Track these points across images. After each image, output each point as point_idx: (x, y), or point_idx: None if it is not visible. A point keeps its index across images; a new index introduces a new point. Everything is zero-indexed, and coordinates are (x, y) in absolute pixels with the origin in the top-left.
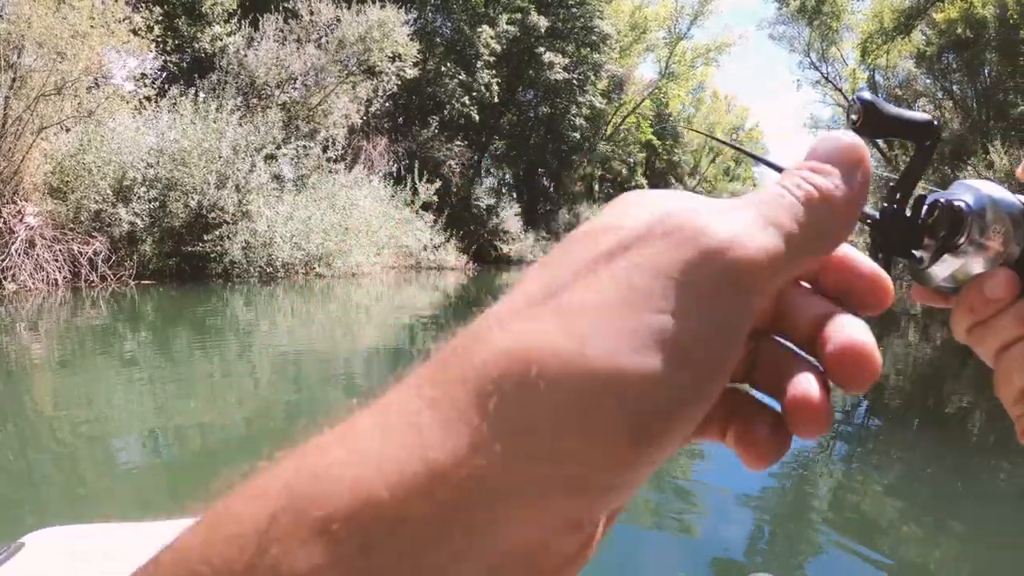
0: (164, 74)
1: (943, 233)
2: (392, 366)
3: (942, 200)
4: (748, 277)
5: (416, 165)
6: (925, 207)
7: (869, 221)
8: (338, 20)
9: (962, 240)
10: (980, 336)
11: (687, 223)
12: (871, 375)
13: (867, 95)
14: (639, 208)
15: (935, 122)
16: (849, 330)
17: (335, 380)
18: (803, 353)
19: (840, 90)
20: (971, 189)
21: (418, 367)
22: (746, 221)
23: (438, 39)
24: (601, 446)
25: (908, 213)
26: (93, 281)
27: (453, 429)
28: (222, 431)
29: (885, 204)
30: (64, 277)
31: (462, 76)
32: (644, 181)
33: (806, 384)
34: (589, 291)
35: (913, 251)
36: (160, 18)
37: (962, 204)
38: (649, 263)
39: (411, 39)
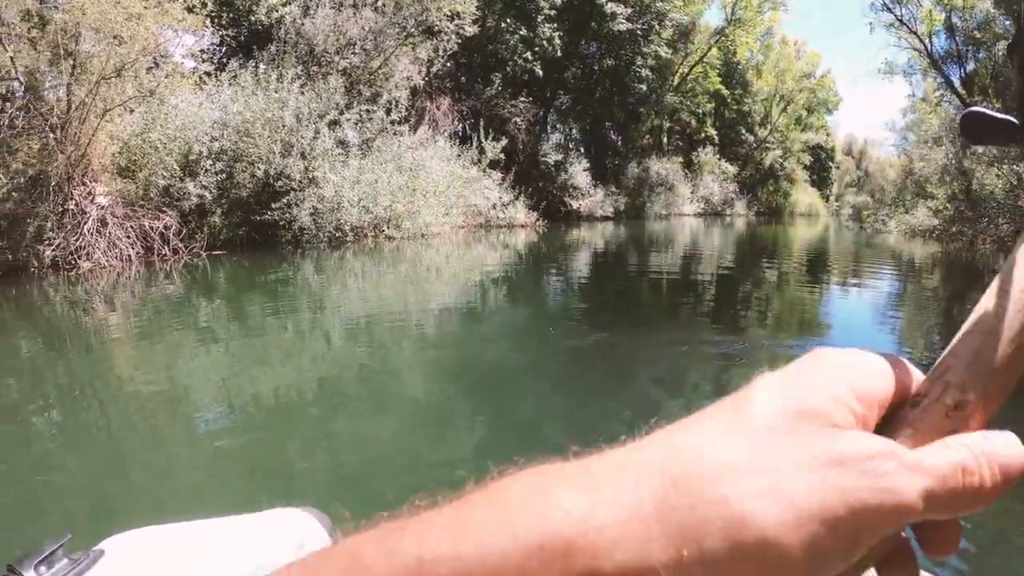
0: (223, 49)
1: None
2: (465, 324)
3: None
4: (890, 520)
5: (481, 123)
6: None
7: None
8: None
9: None
10: None
11: (885, 474)
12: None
13: (976, 108)
14: (846, 410)
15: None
16: None
17: (409, 341)
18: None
19: (915, 33)
20: None
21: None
22: (920, 481)
23: None
24: None
25: None
26: (165, 255)
27: None
28: (299, 396)
29: None
30: (137, 252)
31: (523, 31)
32: (714, 132)
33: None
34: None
35: None
36: None
37: None
38: (846, 487)
39: None
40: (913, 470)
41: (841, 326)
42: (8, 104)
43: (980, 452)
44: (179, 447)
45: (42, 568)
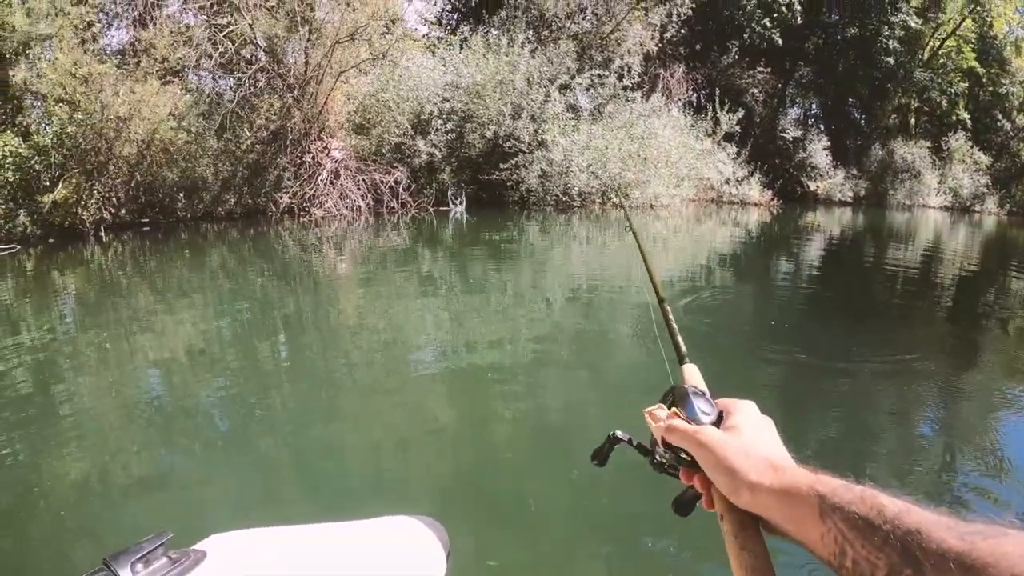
0: (455, 15)
1: None
2: (683, 299)
3: None
4: None
5: (716, 93)
6: None
7: None
8: None
9: None
10: None
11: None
12: None
13: None
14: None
15: None
16: None
17: (623, 311)
18: None
19: None
20: None
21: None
22: None
23: None
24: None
25: None
26: (394, 207)
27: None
28: (515, 356)
29: None
30: (367, 204)
31: None
32: (966, 115)
33: None
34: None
35: None
36: None
37: None
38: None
39: None
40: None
41: None
42: (251, 67)
43: None
44: (390, 377)
45: (139, 566)
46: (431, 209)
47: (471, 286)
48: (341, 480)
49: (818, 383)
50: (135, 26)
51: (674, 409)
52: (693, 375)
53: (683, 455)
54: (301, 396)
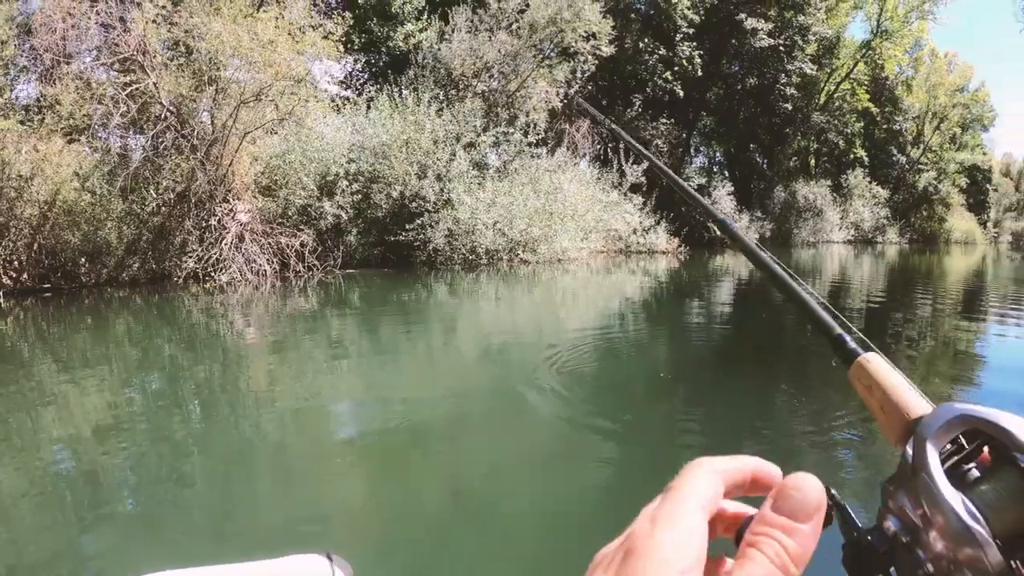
0: (365, 75)
1: None
2: (598, 353)
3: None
4: None
5: (622, 146)
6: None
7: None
8: (527, 4)
9: None
10: None
11: None
12: None
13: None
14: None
15: None
16: None
17: (540, 366)
18: None
19: None
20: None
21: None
22: None
23: (633, 15)
24: None
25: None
26: (299, 271)
27: None
28: (429, 413)
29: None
30: (273, 268)
31: (662, 51)
32: (863, 153)
33: None
34: None
35: None
36: (352, 22)
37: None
38: None
39: (604, 16)
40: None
41: (994, 376)
42: (155, 127)
43: (775, 527)
44: (301, 446)
45: None
46: (338, 272)
47: (382, 348)
48: (252, 541)
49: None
50: (41, 81)
51: None
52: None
53: None
54: (212, 463)
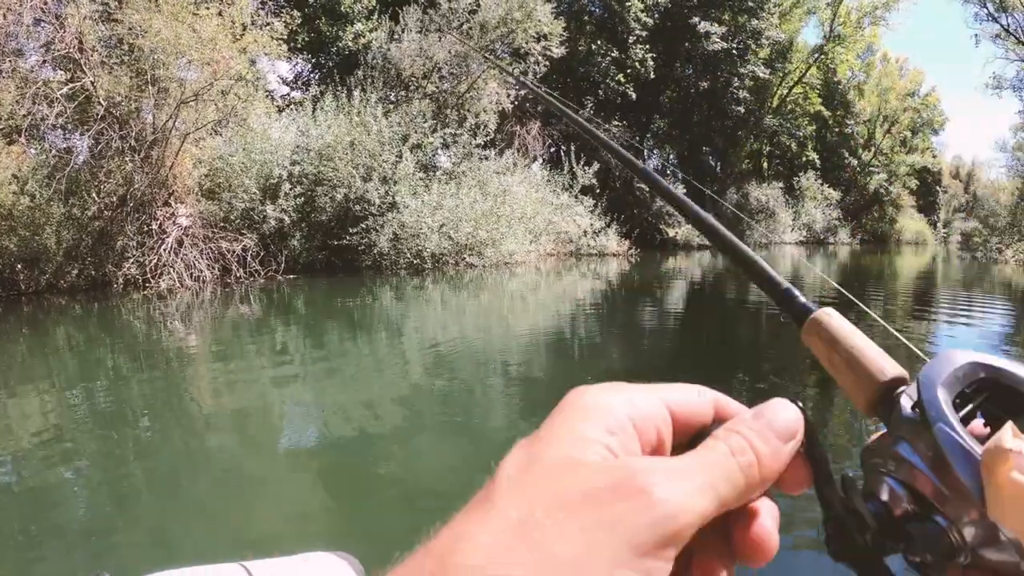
0: (315, 75)
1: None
2: (549, 356)
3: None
4: (684, 534)
5: (573, 148)
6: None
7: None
8: (478, 5)
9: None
10: None
11: (646, 490)
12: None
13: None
14: (598, 446)
15: None
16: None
17: (488, 371)
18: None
19: None
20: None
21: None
22: (693, 488)
23: (586, 17)
24: None
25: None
26: (241, 277)
27: None
28: (376, 420)
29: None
30: (214, 274)
31: (615, 53)
32: (815, 156)
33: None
34: (561, 541)
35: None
36: (300, 21)
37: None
38: (612, 525)
39: (556, 18)
40: (679, 475)
41: None
42: (94, 127)
43: (750, 429)
44: (246, 457)
45: None
46: (281, 278)
47: (327, 355)
48: (195, 551)
49: None
50: None
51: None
52: None
53: None
54: (156, 476)
